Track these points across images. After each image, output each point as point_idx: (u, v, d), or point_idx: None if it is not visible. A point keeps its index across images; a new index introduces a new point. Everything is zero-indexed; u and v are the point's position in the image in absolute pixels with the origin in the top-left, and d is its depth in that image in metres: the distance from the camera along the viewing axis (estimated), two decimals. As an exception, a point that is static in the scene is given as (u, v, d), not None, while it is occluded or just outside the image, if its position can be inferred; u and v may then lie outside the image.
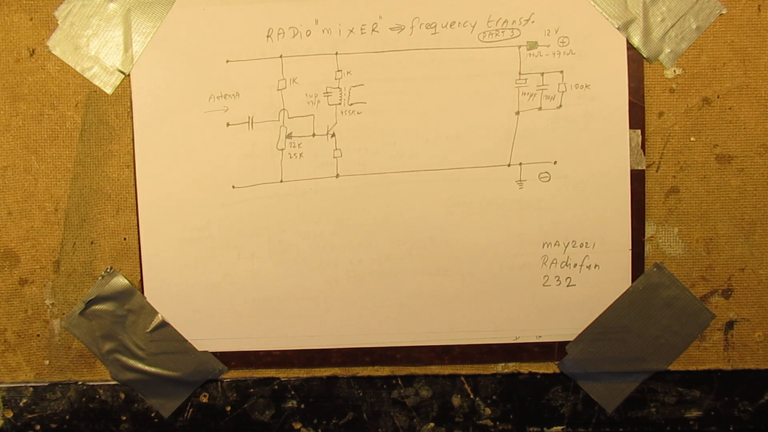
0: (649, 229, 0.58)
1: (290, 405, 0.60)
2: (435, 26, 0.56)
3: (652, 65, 0.57)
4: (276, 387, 0.60)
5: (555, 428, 0.60)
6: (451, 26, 0.56)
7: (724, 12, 0.56)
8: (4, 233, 0.58)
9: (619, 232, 0.57)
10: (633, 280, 0.57)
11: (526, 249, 0.57)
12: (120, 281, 0.58)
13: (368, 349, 0.59)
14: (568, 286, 0.58)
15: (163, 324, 0.58)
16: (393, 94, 0.57)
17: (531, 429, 0.60)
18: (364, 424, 0.60)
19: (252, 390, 0.60)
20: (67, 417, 0.60)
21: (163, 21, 0.57)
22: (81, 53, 0.57)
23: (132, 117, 0.57)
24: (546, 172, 0.57)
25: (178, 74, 0.57)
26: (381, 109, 0.57)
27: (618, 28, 0.56)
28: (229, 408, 0.60)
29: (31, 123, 0.58)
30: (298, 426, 0.60)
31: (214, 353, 0.59)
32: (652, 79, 0.57)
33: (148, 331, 0.58)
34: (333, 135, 0.57)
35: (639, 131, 0.57)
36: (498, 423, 0.60)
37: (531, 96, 0.56)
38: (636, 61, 0.56)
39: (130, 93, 0.57)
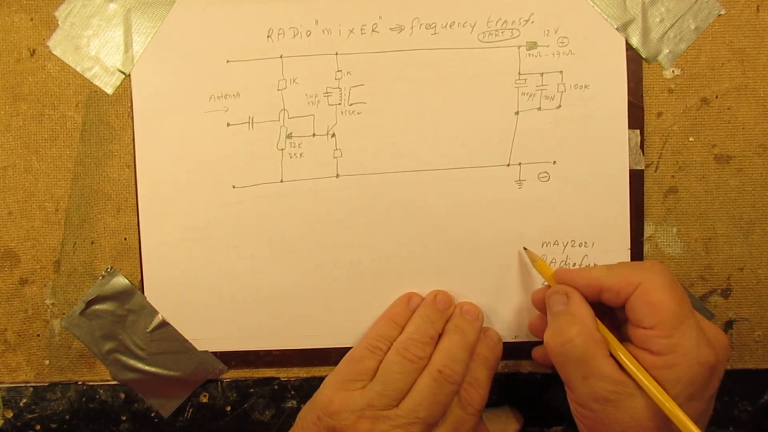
0: (648, 229, 0.58)
1: (290, 405, 0.60)
2: (435, 26, 0.56)
3: (651, 65, 0.57)
4: (276, 387, 0.60)
5: (555, 428, 0.60)
6: (450, 26, 0.56)
7: (722, 12, 0.57)
8: (4, 233, 0.58)
9: (618, 232, 0.57)
10: (632, 280, 0.57)
11: (526, 249, 0.57)
12: (120, 281, 0.58)
13: (368, 348, 0.59)
14: (567, 285, 0.58)
15: (163, 324, 0.58)
16: (393, 94, 0.57)
17: (531, 429, 0.60)
18: (364, 424, 0.60)
19: (252, 390, 0.60)
20: (67, 417, 0.60)
21: (163, 21, 0.57)
22: (81, 53, 0.57)
23: (132, 117, 0.57)
24: (545, 172, 0.57)
25: (179, 74, 0.57)
26: (381, 109, 0.57)
27: (617, 29, 0.56)
28: (229, 408, 0.60)
29: (32, 123, 0.58)
30: (298, 426, 0.60)
31: (214, 353, 0.59)
32: (650, 80, 0.57)
33: (148, 331, 0.58)
34: (333, 135, 0.57)
35: (638, 131, 0.57)
36: (498, 423, 0.60)
37: (530, 96, 0.56)
38: (635, 61, 0.57)
39: (131, 93, 0.57)
